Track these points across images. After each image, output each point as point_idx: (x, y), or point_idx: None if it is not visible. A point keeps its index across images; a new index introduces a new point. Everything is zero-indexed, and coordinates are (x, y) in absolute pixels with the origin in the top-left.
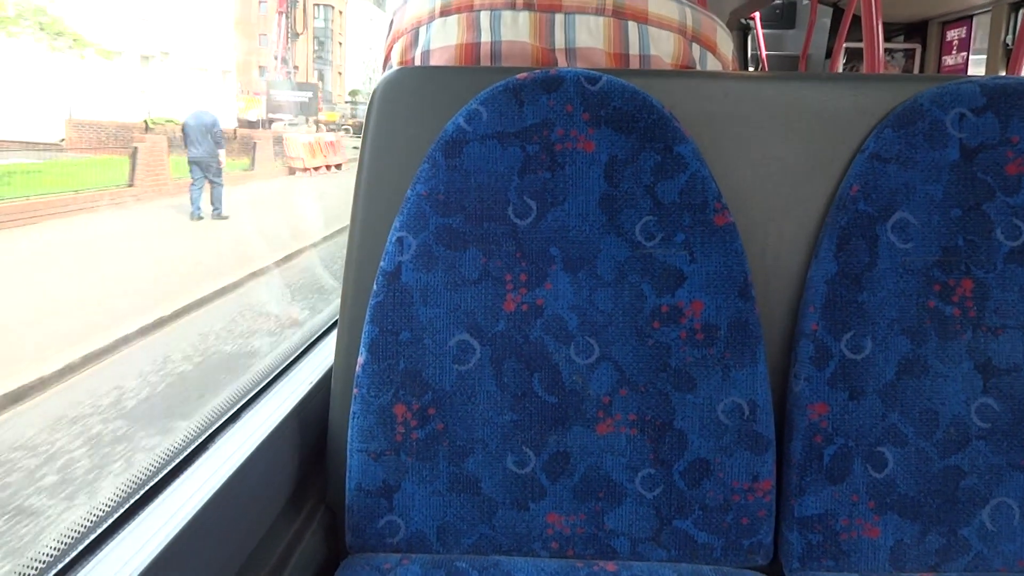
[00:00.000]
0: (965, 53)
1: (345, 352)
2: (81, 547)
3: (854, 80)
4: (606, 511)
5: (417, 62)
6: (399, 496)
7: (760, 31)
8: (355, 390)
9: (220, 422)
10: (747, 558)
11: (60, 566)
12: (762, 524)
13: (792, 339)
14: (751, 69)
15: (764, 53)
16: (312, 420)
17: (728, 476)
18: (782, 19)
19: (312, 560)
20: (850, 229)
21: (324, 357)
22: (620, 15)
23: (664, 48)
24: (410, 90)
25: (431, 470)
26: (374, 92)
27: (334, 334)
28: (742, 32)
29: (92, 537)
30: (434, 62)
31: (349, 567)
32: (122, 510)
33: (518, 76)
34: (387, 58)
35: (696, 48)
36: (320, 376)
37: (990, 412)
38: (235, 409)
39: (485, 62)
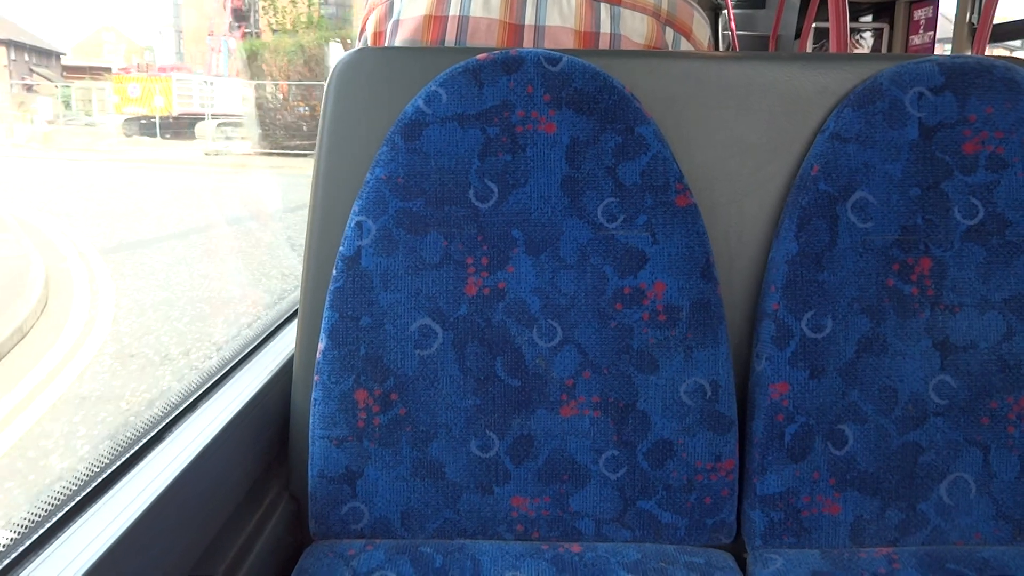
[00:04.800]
0: (932, 32)
1: (306, 339)
2: (34, 537)
3: (815, 60)
4: (571, 493)
5: (388, 33)
6: (362, 482)
7: (731, 11)
8: (316, 377)
9: (177, 412)
10: (711, 537)
11: (13, 555)
12: (725, 503)
13: (754, 319)
14: (722, 49)
15: (735, 33)
16: (274, 408)
17: (691, 456)
18: None
19: (275, 548)
20: (811, 209)
21: (285, 345)
22: None
23: (637, 29)
24: (368, 72)
25: (394, 455)
26: (331, 74)
27: (295, 323)
28: (713, 12)
29: (45, 528)
30: (402, 32)
31: (312, 554)
32: (76, 500)
33: (478, 57)
34: (362, 30)
35: (670, 32)
36: (281, 364)
37: (947, 389)
38: (192, 399)
39: (451, 36)
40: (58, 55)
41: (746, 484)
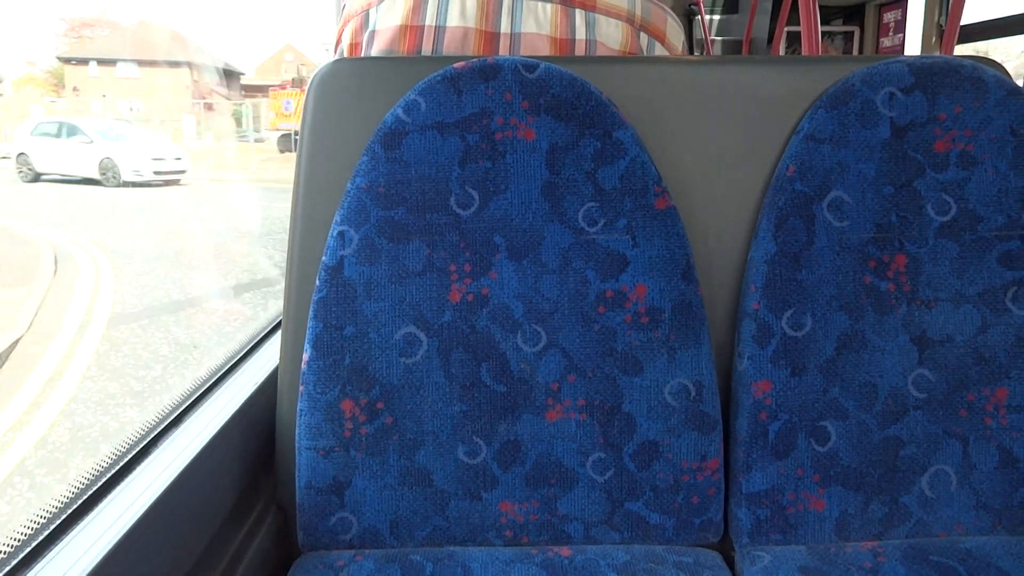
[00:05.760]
0: (901, 35)
1: (290, 349)
2: (20, 556)
3: (789, 62)
4: (559, 497)
5: (364, 44)
6: (350, 492)
7: (704, 16)
8: (301, 387)
9: (162, 426)
10: (698, 536)
11: (3, 571)
12: (712, 502)
13: (735, 319)
14: (696, 54)
15: (709, 38)
16: (260, 420)
17: (677, 456)
18: (726, 4)
19: (264, 561)
20: (787, 209)
21: (270, 357)
22: (568, 2)
23: (612, 35)
24: (347, 82)
25: (381, 464)
26: (310, 84)
27: (279, 334)
28: (687, 17)
29: (31, 546)
30: (378, 43)
31: (302, 566)
32: (63, 517)
33: (455, 65)
34: (338, 42)
35: (644, 37)
36: (266, 376)
37: (926, 383)
38: (178, 413)
39: (427, 46)
40: (239, 75)
41: (732, 483)
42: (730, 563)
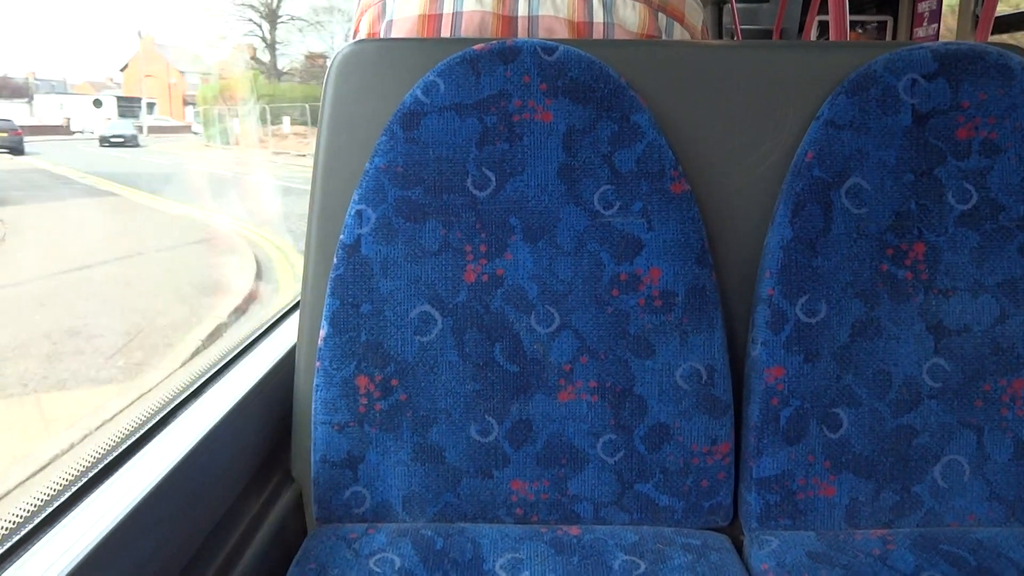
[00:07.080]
0: (936, 24)
1: (308, 326)
2: (41, 516)
3: (810, 48)
4: (569, 477)
5: (382, 34)
6: (364, 467)
7: (734, 4)
8: (318, 363)
9: (182, 398)
10: (707, 519)
11: (22, 533)
12: (721, 486)
13: (750, 304)
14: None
15: (738, 27)
16: (277, 395)
17: (687, 440)
18: None
19: (279, 532)
20: (805, 195)
21: (288, 334)
22: None
23: (629, 18)
24: (367, 63)
25: (395, 440)
26: (330, 66)
27: (298, 312)
28: (717, 5)
29: (51, 508)
30: (396, 32)
31: (316, 538)
32: (82, 482)
33: (475, 47)
34: (356, 31)
35: (663, 18)
36: (284, 352)
37: (941, 372)
38: (197, 385)
39: (445, 33)
40: None
41: (742, 467)
42: (739, 547)
